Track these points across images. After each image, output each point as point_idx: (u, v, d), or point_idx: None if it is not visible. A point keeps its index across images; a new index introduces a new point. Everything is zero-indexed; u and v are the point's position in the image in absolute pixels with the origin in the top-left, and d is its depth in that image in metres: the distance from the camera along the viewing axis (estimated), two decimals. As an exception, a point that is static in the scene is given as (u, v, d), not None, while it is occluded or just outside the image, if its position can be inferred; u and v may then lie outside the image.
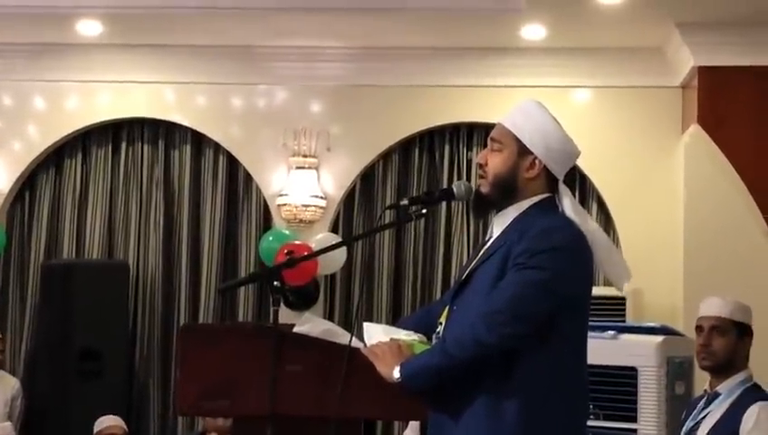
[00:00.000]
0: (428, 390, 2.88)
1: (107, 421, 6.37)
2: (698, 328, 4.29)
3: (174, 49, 7.37)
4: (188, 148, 7.60)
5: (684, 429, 4.27)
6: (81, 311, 6.90)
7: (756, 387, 4.18)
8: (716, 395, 4.18)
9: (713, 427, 4.12)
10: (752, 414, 4.03)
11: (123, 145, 7.67)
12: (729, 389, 4.16)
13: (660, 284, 6.62)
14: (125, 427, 6.43)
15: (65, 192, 7.68)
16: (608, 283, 6.63)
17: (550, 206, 2.98)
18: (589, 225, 3.00)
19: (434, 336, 3.03)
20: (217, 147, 7.54)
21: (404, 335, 3.01)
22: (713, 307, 4.28)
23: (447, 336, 2.91)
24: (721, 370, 4.20)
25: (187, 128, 7.56)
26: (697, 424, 4.18)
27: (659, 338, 5.00)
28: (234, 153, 7.49)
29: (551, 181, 3.01)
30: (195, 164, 7.60)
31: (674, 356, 4.96)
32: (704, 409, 4.20)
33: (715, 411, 4.15)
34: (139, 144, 7.67)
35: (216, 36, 7.17)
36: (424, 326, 3.12)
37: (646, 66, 6.91)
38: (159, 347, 7.49)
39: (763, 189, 6.32)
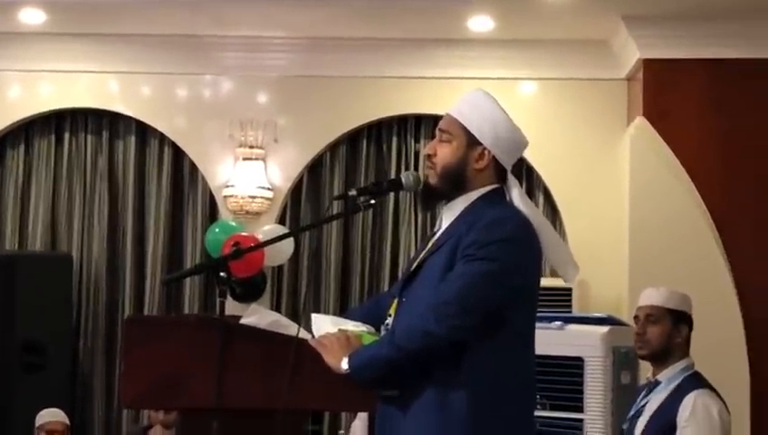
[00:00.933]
0: (377, 381, 2.87)
1: (47, 416, 6.26)
2: (635, 318, 4.35)
3: (118, 38, 7.29)
4: (133, 139, 7.53)
5: (626, 417, 4.31)
6: (23, 303, 6.81)
7: (697, 376, 4.21)
8: (657, 383, 4.22)
9: (652, 415, 4.16)
10: (689, 403, 4.07)
11: (66, 135, 7.58)
12: (669, 377, 4.20)
13: (606, 275, 6.66)
14: (66, 421, 6.33)
15: (7, 183, 7.57)
16: (554, 274, 6.69)
17: (498, 197, 2.98)
18: (536, 217, 3.01)
19: (382, 328, 3.02)
20: (162, 138, 7.48)
21: (352, 326, 3.00)
22: (647, 297, 4.33)
23: (396, 328, 2.90)
24: (657, 358, 4.24)
25: (131, 118, 7.49)
26: (638, 412, 4.22)
27: (605, 328, 5.04)
28: (179, 144, 7.42)
29: (499, 172, 3.00)
30: (139, 155, 7.53)
31: (619, 346, 5.00)
32: (645, 397, 4.24)
33: (655, 400, 4.19)
34: (83, 135, 7.58)
35: (161, 26, 7.10)
36: (372, 317, 3.11)
37: (592, 59, 6.95)
38: (104, 340, 7.43)
39: (707, 181, 6.39)
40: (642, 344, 4.27)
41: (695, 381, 4.17)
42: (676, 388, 4.15)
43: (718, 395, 4.16)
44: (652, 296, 4.32)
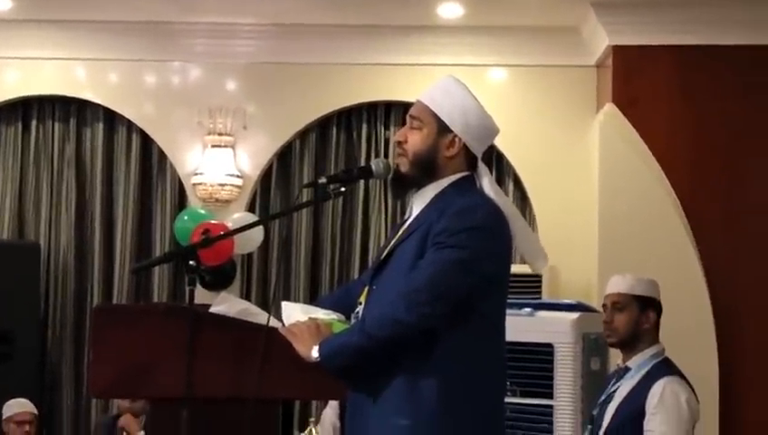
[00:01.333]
0: (347, 369, 2.86)
1: (16, 406, 6.23)
2: (603, 306, 4.37)
3: (85, 25, 7.23)
4: (101, 126, 7.47)
5: (597, 403, 4.33)
6: (-10, 292, 6.76)
7: (666, 362, 4.23)
8: (627, 370, 4.24)
9: (621, 402, 4.18)
10: (657, 390, 4.09)
11: (33, 123, 7.51)
12: (638, 364, 4.22)
13: (575, 261, 6.68)
14: (34, 411, 6.30)
15: (-26, 171, 7.51)
16: (524, 260, 6.71)
17: (469, 184, 2.98)
18: (506, 205, 3.01)
19: (353, 316, 3.01)
20: (130, 125, 7.42)
21: (322, 314, 2.99)
22: (614, 285, 4.35)
23: (367, 316, 2.90)
24: (626, 345, 4.27)
25: (99, 106, 7.43)
26: (609, 398, 4.24)
27: (575, 315, 5.05)
28: (147, 131, 7.37)
29: (470, 159, 3.00)
30: (107, 142, 7.47)
31: (589, 332, 5.01)
32: (615, 383, 4.26)
33: (625, 386, 4.21)
34: (50, 122, 7.51)
35: (129, 12, 7.04)
36: (343, 305, 3.10)
37: (561, 45, 6.96)
38: (72, 329, 7.38)
39: (676, 168, 6.41)
40: (610, 332, 4.29)
41: (664, 367, 4.19)
42: (645, 374, 4.17)
43: (687, 383, 4.18)
44: (618, 284, 4.34)
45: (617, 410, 4.18)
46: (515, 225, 2.99)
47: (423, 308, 2.78)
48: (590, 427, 4.33)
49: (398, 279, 2.87)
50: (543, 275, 6.46)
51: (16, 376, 6.70)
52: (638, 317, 4.26)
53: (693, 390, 4.17)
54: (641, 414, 4.09)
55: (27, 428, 6.19)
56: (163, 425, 3.20)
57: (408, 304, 2.79)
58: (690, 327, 5.94)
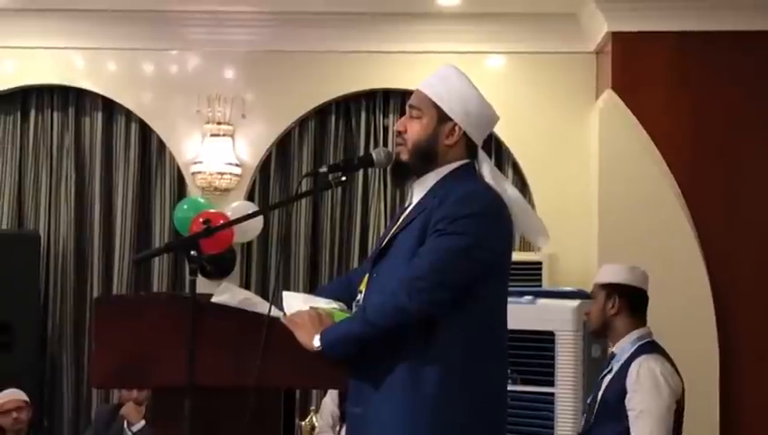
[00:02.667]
0: (349, 358, 2.87)
1: (3, 397, 6.24)
2: None
3: (83, 14, 7.21)
4: (99, 115, 7.46)
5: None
6: (-10, 282, 6.76)
7: (650, 343, 4.26)
8: (613, 356, 4.28)
9: (607, 385, 4.26)
10: (634, 369, 4.15)
11: (32, 112, 7.50)
12: (622, 348, 4.29)
13: (575, 248, 6.68)
14: (24, 398, 6.27)
15: (-27, 161, 7.51)
16: (524, 247, 6.69)
17: (469, 172, 2.99)
18: (507, 189, 3.02)
19: (354, 304, 3.02)
20: (129, 114, 7.41)
21: (324, 304, 2.99)
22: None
23: (368, 304, 2.90)
24: (599, 334, 4.34)
25: (97, 95, 7.41)
26: (601, 382, 4.27)
27: (576, 302, 5.06)
28: (146, 120, 7.36)
29: (470, 147, 3.01)
30: (106, 132, 7.46)
31: (590, 320, 5.02)
32: (605, 370, 4.30)
33: (613, 370, 4.24)
34: (49, 111, 7.50)
35: (127, 1, 7.02)
36: (343, 294, 3.11)
37: (560, 32, 6.94)
38: (72, 319, 7.38)
39: (675, 154, 6.41)
40: (588, 323, 4.36)
41: (646, 347, 4.23)
42: (628, 357, 4.22)
43: (669, 360, 4.20)
44: (596, 275, 4.40)
45: (603, 394, 4.24)
46: (516, 206, 3.00)
47: (424, 296, 2.79)
48: (585, 414, 4.36)
49: (399, 267, 2.88)
50: (543, 262, 6.46)
51: (16, 366, 6.70)
52: (603, 305, 4.30)
53: (675, 367, 4.20)
54: (624, 394, 4.12)
55: (15, 414, 6.16)
56: (165, 414, 3.20)
57: (410, 291, 2.79)
58: (690, 311, 5.96)
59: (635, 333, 4.27)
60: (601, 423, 4.18)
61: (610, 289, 4.32)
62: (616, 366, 4.24)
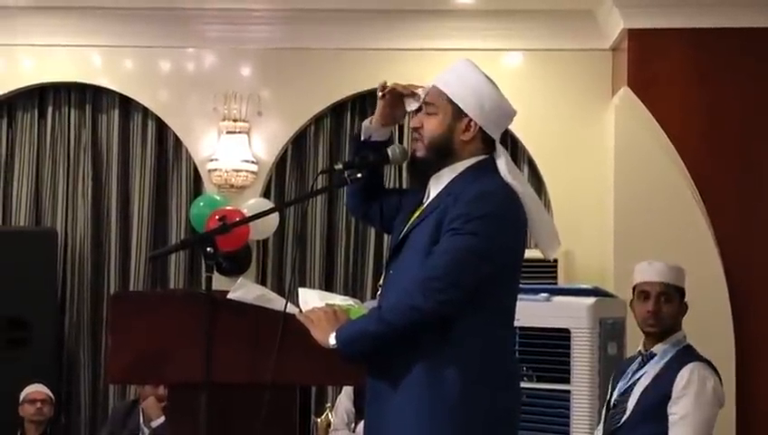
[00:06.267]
0: (365, 356, 2.87)
1: (29, 389, 6.37)
2: (643, 293, 4.31)
3: (100, 12, 7.24)
4: (116, 112, 7.48)
5: (617, 389, 4.32)
6: (8, 278, 6.78)
7: (689, 348, 4.26)
8: (652, 356, 4.25)
9: (647, 386, 4.19)
10: (686, 373, 4.11)
11: (50, 110, 7.53)
12: (664, 350, 4.23)
13: (591, 245, 6.67)
14: (48, 392, 6.39)
15: (-9, 158, 7.54)
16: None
17: (486, 167, 2.97)
18: (524, 188, 3.01)
19: (377, 296, 3.01)
20: (146, 111, 7.44)
21: (339, 300, 3.00)
22: (659, 274, 4.31)
23: (383, 303, 2.91)
24: (666, 334, 4.27)
25: (114, 92, 7.44)
26: (633, 384, 4.24)
27: (591, 300, 5.04)
28: (163, 118, 7.39)
29: (487, 142, 2.99)
30: (123, 129, 7.49)
31: (606, 317, 5.00)
32: (638, 369, 4.26)
33: (650, 372, 4.21)
34: (66, 109, 7.53)
35: (144, -1, 7.06)
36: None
37: (576, 29, 6.93)
38: (89, 315, 7.40)
39: (691, 150, 6.39)
40: (655, 322, 4.25)
41: (689, 353, 4.23)
42: (670, 360, 4.20)
43: (714, 369, 4.20)
44: (664, 274, 4.31)
45: (642, 395, 4.18)
46: (531, 208, 2.98)
47: (439, 295, 2.79)
48: (610, 412, 4.32)
49: (414, 264, 2.88)
50: (559, 259, 6.46)
51: (34, 361, 6.74)
52: (679, 308, 4.30)
53: (719, 376, 4.19)
54: (667, 398, 4.10)
55: (39, 405, 6.36)
56: (182, 410, 3.22)
57: (424, 291, 2.79)
58: (706, 309, 5.91)
59: (677, 336, 4.27)
60: (638, 424, 4.16)
61: (683, 293, 4.32)
62: (655, 368, 4.19)
